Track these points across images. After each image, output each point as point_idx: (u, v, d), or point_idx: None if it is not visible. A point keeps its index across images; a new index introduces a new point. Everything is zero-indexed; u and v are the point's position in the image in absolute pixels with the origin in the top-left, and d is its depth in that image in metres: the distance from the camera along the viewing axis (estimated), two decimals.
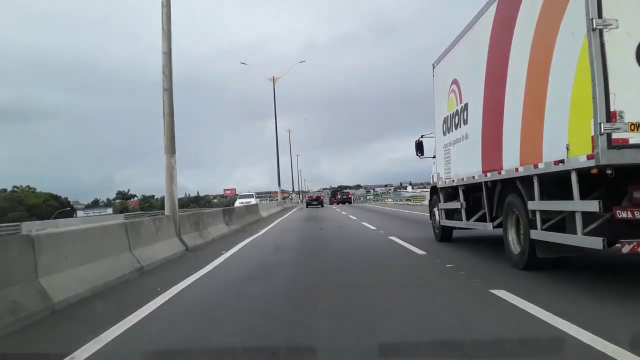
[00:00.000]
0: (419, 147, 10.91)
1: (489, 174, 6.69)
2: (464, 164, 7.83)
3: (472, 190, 8.07)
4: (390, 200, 53.35)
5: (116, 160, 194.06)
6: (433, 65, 9.62)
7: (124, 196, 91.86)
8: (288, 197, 65.56)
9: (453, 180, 8.36)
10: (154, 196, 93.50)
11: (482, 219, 7.72)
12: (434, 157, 10.80)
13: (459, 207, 8.18)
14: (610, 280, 5.46)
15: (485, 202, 7.00)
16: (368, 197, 70.58)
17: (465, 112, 7.65)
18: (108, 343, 3.79)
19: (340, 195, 62.75)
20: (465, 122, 7.66)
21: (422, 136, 10.99)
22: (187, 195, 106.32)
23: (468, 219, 8.02)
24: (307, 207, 45.83)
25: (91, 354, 3.54)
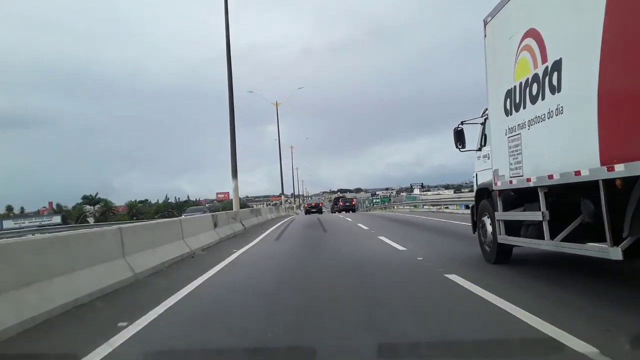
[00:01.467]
0: (459, 136, 8.23)
1: (618, 167, 4.01)
2: (552, 152, 5.15)
3: (559, 193, 5.43)
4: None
5: (115, 166, 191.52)
6: (484, 21, 6.95)
7: (90, 201, 73.78)
8: (276, 204, 49.72)
9: (529, 180, 5.67)
10: (145, 200, 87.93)
11: (577, 235, 5.07)
12: (479, 149, 8.17)
13: (540, 218, 5.48)
14: None
15: (605, 214, 4.29)
16: (375, 202, 66.06)
17: (556, 74, 4.99)
18: None
19: (343, 202, 57.47)
20: (556, 90, 4.99)
21: (462, 122, 8.31)
22: (177, 199, 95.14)
23: (553, 236, 5.35)
24: (306, 214, 44.61)
25: None
